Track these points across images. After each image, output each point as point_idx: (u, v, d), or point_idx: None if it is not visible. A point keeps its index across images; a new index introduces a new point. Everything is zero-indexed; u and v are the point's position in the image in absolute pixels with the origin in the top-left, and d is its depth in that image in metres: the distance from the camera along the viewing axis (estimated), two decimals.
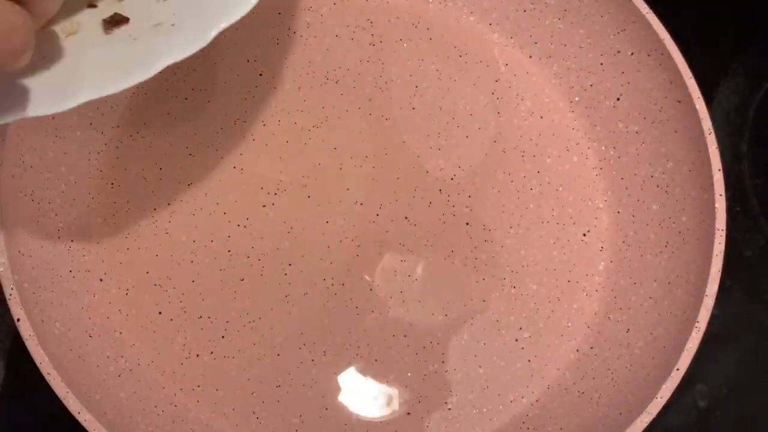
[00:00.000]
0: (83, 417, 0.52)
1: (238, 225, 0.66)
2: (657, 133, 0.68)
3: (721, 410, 0.69)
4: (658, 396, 0.56)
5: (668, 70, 0.66)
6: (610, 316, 0.66)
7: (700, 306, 0.59)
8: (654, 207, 0.67)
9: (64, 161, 0.64)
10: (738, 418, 0.70)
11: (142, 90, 0.70)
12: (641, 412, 0.56)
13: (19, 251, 0.57)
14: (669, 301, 0.63)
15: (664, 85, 0.67)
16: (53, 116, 0.62)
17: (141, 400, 0.59)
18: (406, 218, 0.67)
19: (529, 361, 0.65)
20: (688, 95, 0.64)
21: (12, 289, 0.54)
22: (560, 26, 0.73)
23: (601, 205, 0.70)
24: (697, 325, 0.58)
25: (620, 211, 0.69)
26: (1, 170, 0.57)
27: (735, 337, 0.71)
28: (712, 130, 0.63)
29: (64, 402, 0.52)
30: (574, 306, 0.67)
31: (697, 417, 0.69)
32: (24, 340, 0.53)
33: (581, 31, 0.72)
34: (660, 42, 0.66)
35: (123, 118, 0.69)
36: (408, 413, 0.62)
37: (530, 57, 0.74)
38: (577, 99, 0.73)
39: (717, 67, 0.75)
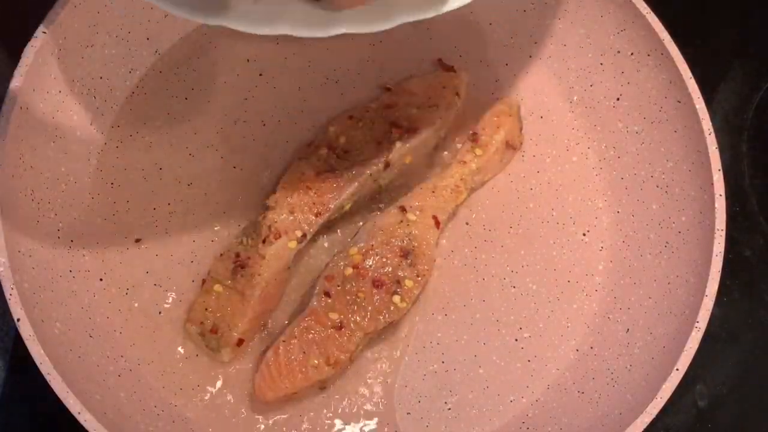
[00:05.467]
0: (83, 417, 0.52)
1: (239, 225, 0.66)
2: (657, 133, 0.68)
3: (721, 410, 0.69)
4: (658, 396, 0.56)
5: (668, 70, 0.66)
6: (610, 316, 0.66)
7: (700, 306, 0.59)
8: (654, 207, 0.67)
9: (64, 161, 0.64)
10: (738, 418, 0.70)
11: (142, 90, 0.70)
12: (641, 412, 0.56)
13: (19, 251, 0.57)
14: (669, 301, 0.63)
15: (664, 85, 0.67)
16: (53, 116, 0.62)
17: (141, 400, 0.59)
18: None
19: (529, 361, 0.65)
20: (688, 95, 0.64)
21: (12, 289, 0.54)
22: (560, 26, 0.73)
23: (601, 205, 0.70)
24: (697, 325, 0.58)
25: (620, 211, 0.69)
26: (1, 170, 0.57)
27: (735, 337, 0.71)
28: (712, 130, 0.63)
29: (64, 402, 0.52)
30: (574, 306, 0.67)
31: (697, 417, 0.69)
32: (24, 340, 0.53)
33: (581, 31, 0.72)
34: (660, 42, 0.66)
35: (123, 118, 0.68)
36: (408, 413, 0.62)
37: (530, 57, 0.74)
38: (576, 99, 0.73)
39: (717, 67, 0.74)
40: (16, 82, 0.58)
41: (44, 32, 0.60)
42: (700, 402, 0.69)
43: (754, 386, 0.71)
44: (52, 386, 0.52)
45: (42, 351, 0.53)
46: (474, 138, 0.68)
